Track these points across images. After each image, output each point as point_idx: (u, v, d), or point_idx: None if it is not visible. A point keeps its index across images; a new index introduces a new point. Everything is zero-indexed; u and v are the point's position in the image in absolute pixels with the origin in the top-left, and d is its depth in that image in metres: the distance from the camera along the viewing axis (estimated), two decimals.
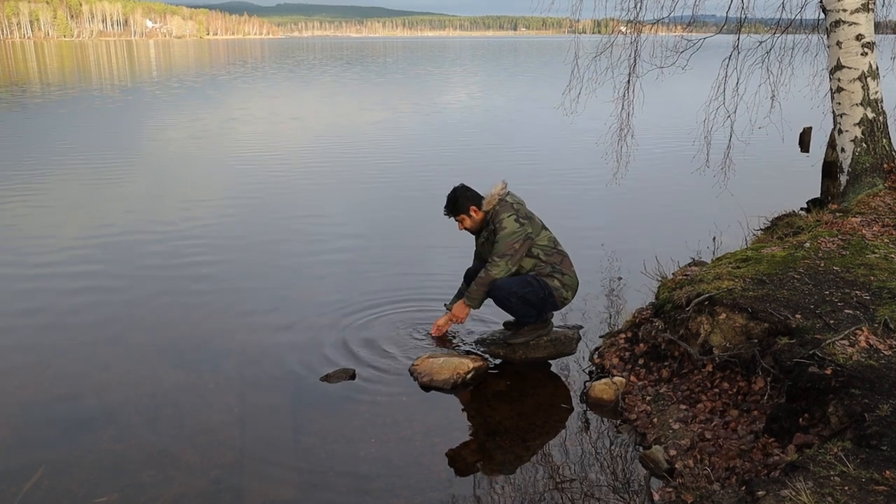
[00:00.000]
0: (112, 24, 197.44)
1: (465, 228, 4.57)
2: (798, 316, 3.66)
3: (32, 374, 4.34)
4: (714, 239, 6.05)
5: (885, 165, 6.22)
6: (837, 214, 5.68)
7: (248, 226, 7.78)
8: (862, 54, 6.15)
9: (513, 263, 4.33)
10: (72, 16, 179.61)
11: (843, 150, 6.40)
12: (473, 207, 4.43)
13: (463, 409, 4.00)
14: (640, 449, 3.48)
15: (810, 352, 3.27)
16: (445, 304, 4.77)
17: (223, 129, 16.11)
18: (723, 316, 3.87)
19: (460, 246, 5.87)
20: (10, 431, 3.71)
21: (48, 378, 4.30)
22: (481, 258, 4.61)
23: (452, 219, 4.57)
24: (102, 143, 13.73)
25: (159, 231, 7.48)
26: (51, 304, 5.48)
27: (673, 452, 3.33)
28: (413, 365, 4.34)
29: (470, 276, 4.69)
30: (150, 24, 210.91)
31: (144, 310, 5.38)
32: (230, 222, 7.90)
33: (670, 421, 3.59)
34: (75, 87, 28.03)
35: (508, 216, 4.31)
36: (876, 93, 6.24)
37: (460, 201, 4.44)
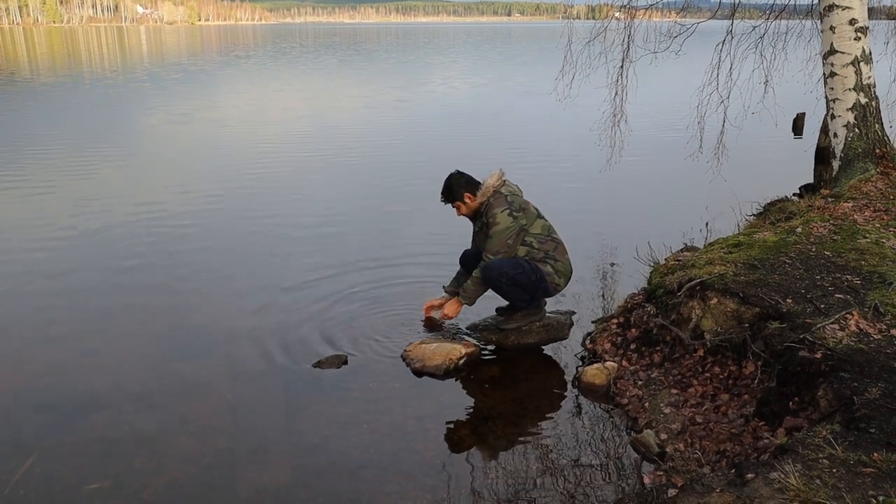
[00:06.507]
0: (102, 10, 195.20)
1: (463, 215, 4.56)
2: (789, 300, 3.67)
3: (23, 362, 4.33)
4: (707, 224, 6.05)
5: (878, 150, 6.23)
6: (829, 200, 5.70)
7: (237, 213, 7.73)
8: (855, 39, 6.13)
9: (506, 259, 4.34)
10: (61, 1, 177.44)
11: (835, 135, 6.40)
12: (468, 194, 4.41)
13: (455, 395, 4.01)
14: (632, 433, 3.50)
15: (801, 336, 3.29)
16: (444, 287, 4.76)
17: (210, 119, 16.00)
18: (714, 301, 3.88)
19: (452, 232, 5.86)
20: (2, 419, 3.70)
21: (39, 365, 4.28)
22: (477, 245, 4.60)
23: (449, 206, 4.55)
24: (91, 132, 13.62)
25: (148, 218, 7.42)
26: (40, 291, 5.45)
27: (664, 436, 3.35)
28: (405, 351, 4.35)
29: (465, 259, 4.67)
30: (140, 9, 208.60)
31: (135, 297, 5.36)
32: (219, 209, 7.86)
33: (661, 405, 3.60)
34: (65, 76, 27.76)
35: (502, 210, 4.28)
36: (869, 78, 6.23)
37: (455, 188, 4.42)
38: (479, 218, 4.47)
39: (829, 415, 2.81)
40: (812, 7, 7.77)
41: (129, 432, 3.56)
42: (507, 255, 4.33)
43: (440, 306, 4.68)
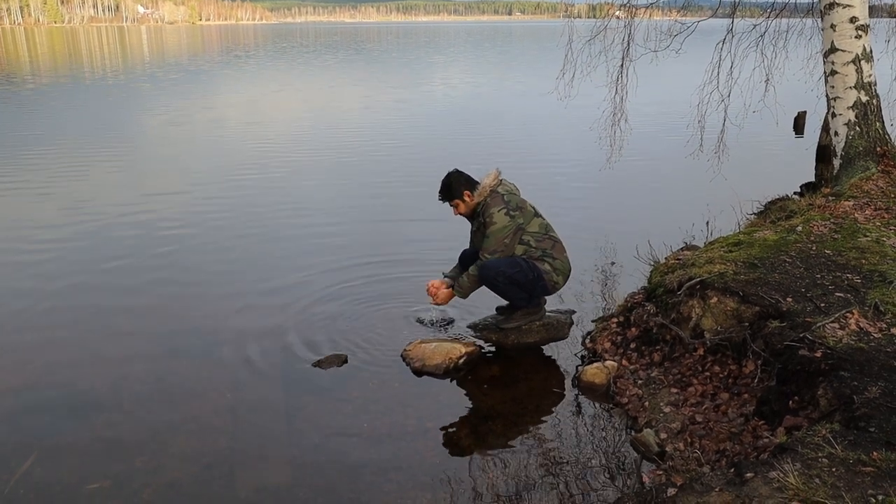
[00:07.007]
0: (103, 10, 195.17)
1: (461, 213, 4.54)
2: (789, 299, 3.67)
3: (24, 361, 4.33)
4: (707, 223, 6.04)
5: (879, 149, 6.21)
6: (830, 198, 5.68)
7: (236, 213, 7.73)
8: (856, 37, 6.12)
9: (503, 258, 4.33)
10: (62, 1, 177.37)
11: (836, 133, 6.38)
12: (467, 192, 4.40)
13: (455, 395, 4.01)
14: (632, 432, 3.49)
15: (801, 335, 3.28)
16: (444, 273, 4.72)
17: (209, 118, 16.01)
18: (714, 300, 3.88)
19: (451, 231, 5.85)
20: (3, 418, 3.71)
21: (40, 365, 4.29)
22: (475, 245, 4.59)
23: (447, 204, 4.53)
24: (91, 133, 13.64)
25: (148, 218, 7.43)
26: (42, 291, 5.45)
27: (664, 435, 3.34)
28: (405, 350, 4.35)
29: (465, 259, 4.66)
30: (141, 9, 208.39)
31: (136, 296, 5.36)
32: (218, 209, 7.85)
33: (661, 404, 3.60)
34: (66, 76, 27.78)
35: (499, 210, 4.27)
36: (870, 76, 6.21)
37: (454, 186, 4.41)
38: (476, 218, 4.46)
39: (829, 414, 2.81)
40: (813, 5, 7.75)
41: (129, 432, 3.57)
42: (504, 255, 4.32)
43: (439, 288, 4.61)
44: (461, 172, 4.44)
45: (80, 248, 6.52)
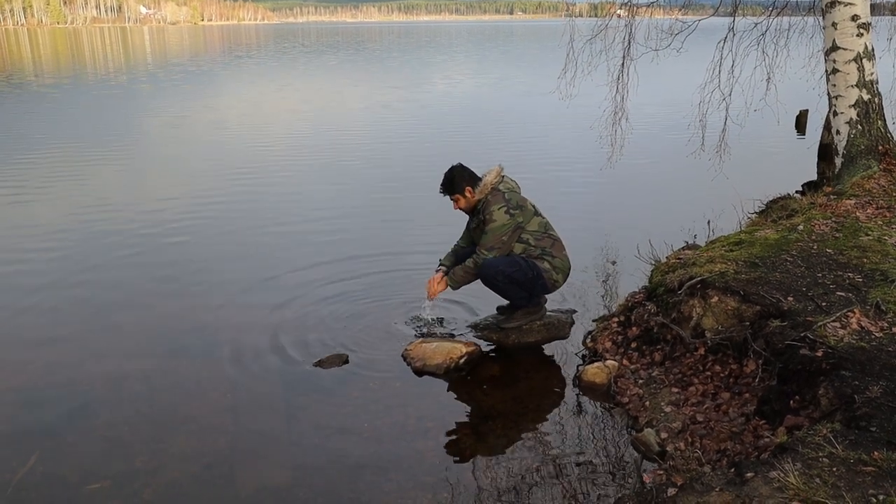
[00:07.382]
0: (106, 11, 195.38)
1: (460, 208, 4.53)
2: (790, 298, 3.66)
3: (26, 362, 4.33)
4: (708, 222, 6.03)
5: (880, 147, 6.19)
6: (832, 197, 5.67)
7: (235, 212, 7.74)
8: (857, 35, 6.10)
9: (500, 255, 4.32)
10: (65, 2, 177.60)
11: (838, 132, 6.36)
12: (468, 188, 4.39)
13: (456, 394, 4.01)
14: (632, 432, 3.49)
15: (802, 334, 3.27)
16: (440, 260, 4.70)
17: (210, 119, 16.03)
18: (715, 299, 3.87)
19: (450, 230, 5.84)
20: (5, 418, 3.71)
21: (42, 366, 4.29)
22: (470, 240, 4.58)
23: (448, 198, 4.52)
24: (92, 134, 13.65)
25: (148, 218, 7.44)
26: (42, 291, 5.45)
27: (664, 435, 3.34)
28: (406, 350, 4.34)
29: (458, 252, 4.64)
30: (143, 10, 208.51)
31: (136, 297, 5.37)
32: (219, 209, 7.85)
33: (662, 404, 3.59)
34: (69, 77, 27.82)
35: (499, 208, 4.27)
36: (871, 74, 6.19)
37: (456, 181, 4.40)
38: (476, 215, 4.45)
39: (830, 413, 2.80)
40: (814, 3, 7.73)
41: (129, 432, 3.57)
42: (502, 252, 4.32)
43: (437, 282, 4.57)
44: (464, 167, 4.44)
45: (81, 247, 6.53)
